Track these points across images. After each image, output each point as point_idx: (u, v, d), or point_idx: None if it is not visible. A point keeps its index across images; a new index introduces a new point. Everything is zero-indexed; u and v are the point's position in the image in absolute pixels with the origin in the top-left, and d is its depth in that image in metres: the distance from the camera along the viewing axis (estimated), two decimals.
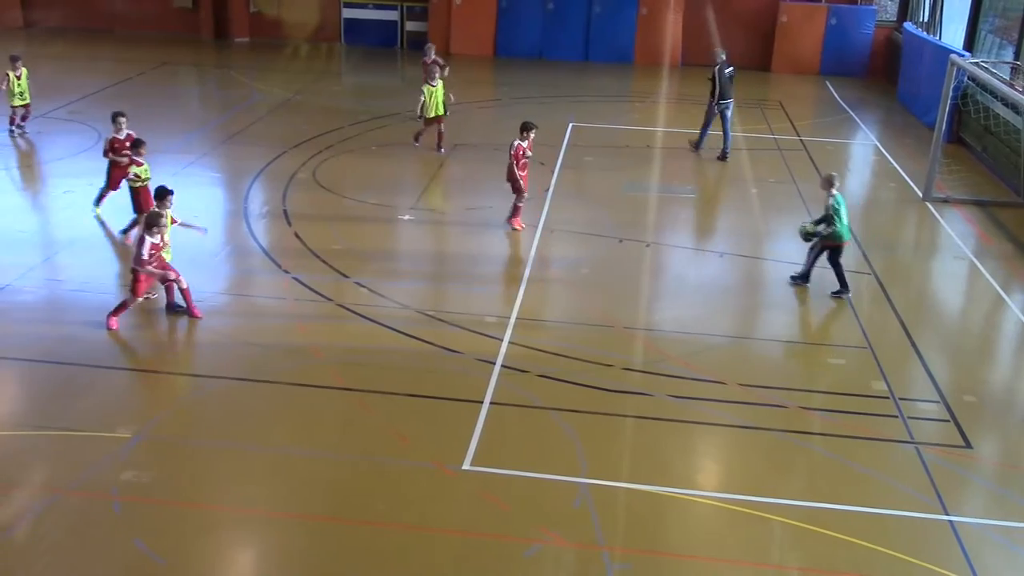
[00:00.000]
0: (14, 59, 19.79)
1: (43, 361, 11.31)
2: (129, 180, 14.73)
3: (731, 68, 20.28)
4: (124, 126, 15.36)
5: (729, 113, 20.16)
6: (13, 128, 19.80)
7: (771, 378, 11.51)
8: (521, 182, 15.55)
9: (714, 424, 10.61)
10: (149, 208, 13.22)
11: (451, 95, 19.82)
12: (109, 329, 12.00)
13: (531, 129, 15.42)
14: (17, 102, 19.67)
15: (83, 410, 10.26)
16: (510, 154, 15.52)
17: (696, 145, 20.73)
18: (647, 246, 15.43)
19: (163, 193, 12.55)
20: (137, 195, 14.62)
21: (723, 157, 20.11)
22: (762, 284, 14.56)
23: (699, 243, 15.74)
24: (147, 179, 14.59)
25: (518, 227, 15.85)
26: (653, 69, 29.50)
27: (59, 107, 21.87)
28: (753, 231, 16.44)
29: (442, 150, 19.74)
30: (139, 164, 14.55)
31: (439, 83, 19.43)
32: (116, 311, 12.14)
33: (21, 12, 31.83)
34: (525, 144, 15.41)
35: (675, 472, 9.68)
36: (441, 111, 19.57)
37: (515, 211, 15.87)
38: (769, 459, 9.97)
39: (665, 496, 9.26)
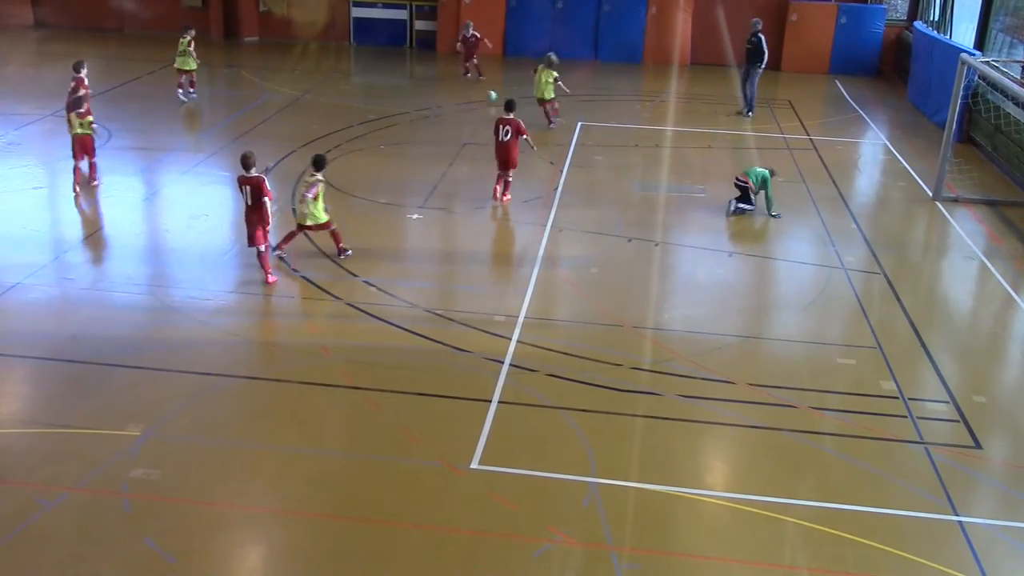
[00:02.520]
0: (187, 29, 23.17)
1: (53, 359, 11.34)
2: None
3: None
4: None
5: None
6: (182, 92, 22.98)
7: (781, 378, 11.48)
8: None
9: (723, 424, 10.59)
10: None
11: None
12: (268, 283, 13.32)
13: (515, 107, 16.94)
14: (185, 66, 22.87)
15: (93, 408, 10.29)
16: (512, 130, 16.57)
17: (748, 109, 23.71)
18: (656, 245, 15.41)
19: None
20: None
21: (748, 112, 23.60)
22: (771, 283, 14.53)
23: (709, 242, 15.71)
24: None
25: (507, 200, 16.95)
26: (662, 68, 29.46)
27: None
28: (763, 231, 16.41)
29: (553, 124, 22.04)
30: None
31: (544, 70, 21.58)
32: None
33: (31, 11, 31.93)
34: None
35: (684, 472, 9.67)
36: (547, 94, 21.72)
37: (507, 186, 16.96)
38: (779, 459, 9.95)
39: (674, 496, 9.25)
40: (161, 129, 20.96)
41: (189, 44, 22.84)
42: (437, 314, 12.79)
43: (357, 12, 31.47)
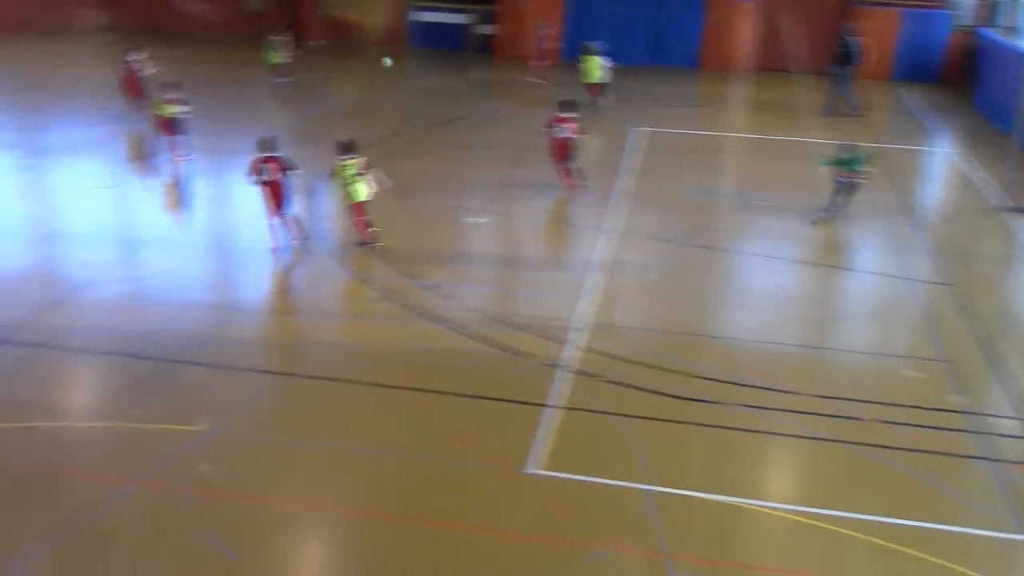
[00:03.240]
0: (272, 30, 25.92)
1: (124, 355, 11.56)
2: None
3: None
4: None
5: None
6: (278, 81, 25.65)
7: (845, 389, 11.30)
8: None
9: (785, 435, 10.45)
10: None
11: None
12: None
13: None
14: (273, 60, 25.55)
15: (160, 403, 10.47)
16: (569, 129, 17.33)
17: (856, 110, 24.11)
18: (717, 252, 15.27)
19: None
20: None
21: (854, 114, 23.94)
22: (836, 293, 14.33)
23: (771, 250, 15.54)
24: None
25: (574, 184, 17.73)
26: (720, 74, 29.23)
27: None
28: (828, 239, 16.19)
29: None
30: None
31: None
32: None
33: (98, 13, 32.58)
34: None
35: (744, 482, 9.56)
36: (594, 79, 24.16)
37: (570, 173, 17.70)
38: (842, 472, 9.79)
39: (734, 506, 9.15)
40: (224, 130, 21.25)
41: (276, 44, 25.71)
42: (496, 318, 12.81)
43: (416, 16, 31.67)
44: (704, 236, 15.84)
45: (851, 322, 13.30)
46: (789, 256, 15.42)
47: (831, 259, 15.43)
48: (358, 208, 14.64)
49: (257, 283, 13.71)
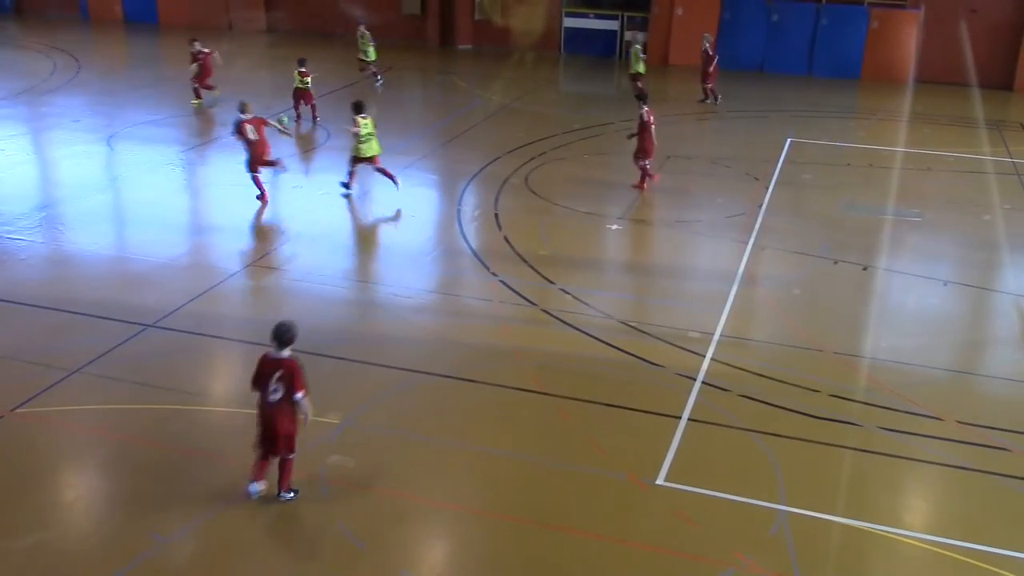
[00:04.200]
0: (360, 21, 26.68)
1: (265, 345, 11.95)
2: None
3: None
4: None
5: None
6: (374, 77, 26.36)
7: (994, 418, 10.73)
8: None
9: (927, 462, 10.00)
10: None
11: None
12: None
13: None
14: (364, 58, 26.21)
15: None
16: (647, 123, 17.56)
17: None
18: (864, 269, 14.76)
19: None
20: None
21: None
22: (989, 317, 13.63)
23: (922, 269, 14.90)
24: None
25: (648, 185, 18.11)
26: (881, 85, 28.23)
27: (291, 107, 23.20)
28: (983, 260, 15.42)
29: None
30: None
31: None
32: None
33: (264, 14, 34.01)
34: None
35: (881, 508, 9.19)
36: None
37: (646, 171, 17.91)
38: (987, 504, 9.30)
39: (868, 532, 8.81)
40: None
41: (365, 36, 26.23)
42: (631, 326, 12.73)
43: (569, 22, 31.79)
44: (852, 252, 15.32)
45: (1004, 347, 12.62)
46: (941, 276, 14.74)
47: (986, 281, 14.67)
48: (374, 160, 16.96)
49: (397, 281, 14.02)
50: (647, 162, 17.91)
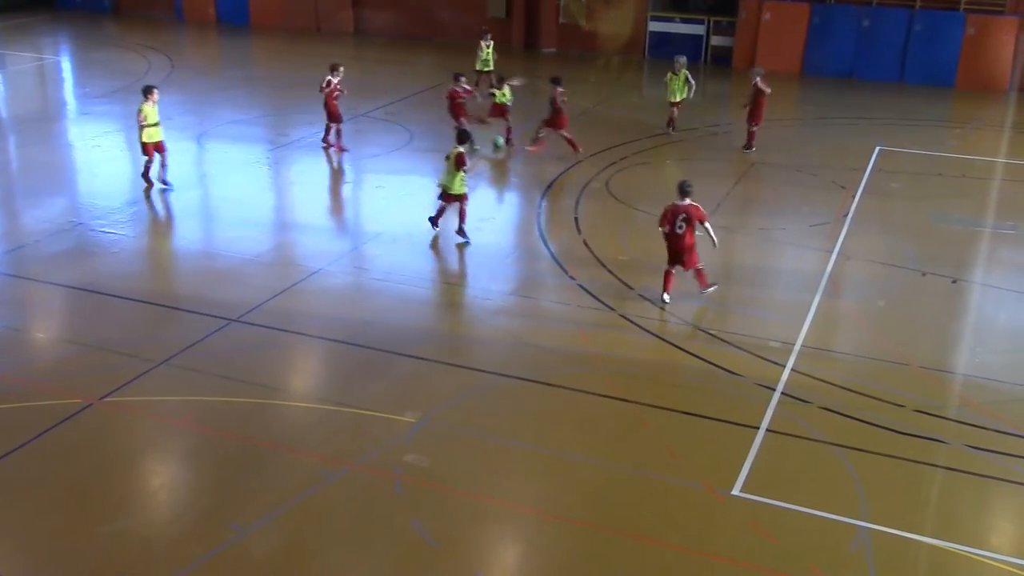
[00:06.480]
0: (484, 32, 25.33)
1: (345, 342, 12.19)
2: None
3: None
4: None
5: None
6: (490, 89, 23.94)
7: None
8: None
9: (1017, 483, 9.66)
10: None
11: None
12: None
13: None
14: (481, 67, 24.87)
15: (376, 391, 10.96)
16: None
17: None
18: (954, 282, 14.34)
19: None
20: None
21: None
22: None
23: (1016, 284, 14.42)
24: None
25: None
26: (977, 94, 27.40)
27: (377, 107, 23.49)
28: None
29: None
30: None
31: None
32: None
33: (352, 16, 34.45)
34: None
35: (966, 529, 8.93)
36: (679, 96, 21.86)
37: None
38: None
39: (952, 552, 8.57)
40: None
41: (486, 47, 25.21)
42: (710, 334, 12.58)
43: (654, 26, 31.57)
44: (941, 264, 14.89)
45: None
46: None
47: None
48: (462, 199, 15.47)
49: (477, 283, 14.08)
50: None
